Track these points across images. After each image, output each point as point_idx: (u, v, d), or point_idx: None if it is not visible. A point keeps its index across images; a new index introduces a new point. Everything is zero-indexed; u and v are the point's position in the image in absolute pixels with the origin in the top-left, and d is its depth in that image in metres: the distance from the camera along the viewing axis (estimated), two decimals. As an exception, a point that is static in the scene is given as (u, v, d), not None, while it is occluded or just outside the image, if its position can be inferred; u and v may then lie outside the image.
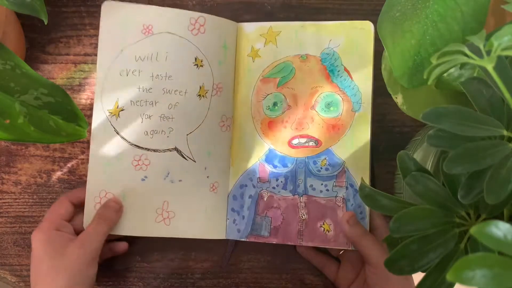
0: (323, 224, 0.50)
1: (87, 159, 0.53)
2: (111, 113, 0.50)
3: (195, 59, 0.51)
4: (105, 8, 0.50)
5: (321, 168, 0.51)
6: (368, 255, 0.45)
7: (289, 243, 0.50)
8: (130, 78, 0.50)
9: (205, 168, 0.51)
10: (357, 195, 0.49)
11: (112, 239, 0.52)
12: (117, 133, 0.50)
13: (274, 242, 0.50)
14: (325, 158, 0.51)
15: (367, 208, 0.49)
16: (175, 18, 0.50)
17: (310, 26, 0.52)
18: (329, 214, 0.50)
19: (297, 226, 0.50)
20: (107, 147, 0.50)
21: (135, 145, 0.50)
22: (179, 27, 0.50)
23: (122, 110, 0.50)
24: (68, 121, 0.40)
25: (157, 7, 0.50)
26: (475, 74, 0.36)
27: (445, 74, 0.38)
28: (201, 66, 0.51)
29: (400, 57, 0.38)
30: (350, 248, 0.49)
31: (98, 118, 0.50)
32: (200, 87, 0.51)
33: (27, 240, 0.54)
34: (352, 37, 0.51)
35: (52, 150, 0.54)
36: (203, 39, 0.51)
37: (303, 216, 0.50)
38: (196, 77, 0.51)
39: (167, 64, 0.50)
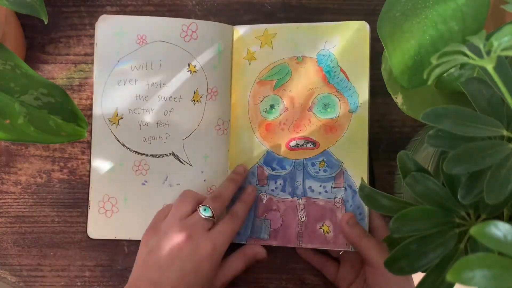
0: (322, 225, 0.50)
1: (87, 159, 0.53)
2: (112, 121, 0.51)
3: (188, 65, 0.52)
4: (100, 22, 0.52)
5: (319, 169, 0.51)
6: (368, 255, 0.45)
7: (289, 245, 0.50)
8: (127, 87, 0.51)
9: (202, 172, 0.52)
10: (356, 196, 0.49)
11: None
12: (118, 140, 0.52)
13: (274, 245, 0.50)
14: (323, 160, 0.51)
15: (366, 209, 0.49)
16: (168, 27, 0.52)
17: (305, 28, 0.52)
18: (328, 216, 0.50)
19: (296, 228, 0.50)
20: (109, 154, 0.52)
21: (135, 151, 0.52)
22: (172, 35, 0.52)
23: (121, 118, 0.51)
24: (68, 121, 0.40)
25: (150, 17, 0.52)
26: (475, 74, 0.36)
27: (445, 74, 0.38)
28: (195, 71, 0.52)
29: (400, 57, 0.38)
30: (350, 249, 0.49)
31: (99, 126, 0.52)
32: (194, 92, 0.52)
33: (27, 240, 0.54)
34: (347, 38, 0.51)
35: (52, 150, 0.54)
36: (196, 45, 0.52)
37: (302, 218, 0.50)
38: (189, 83, 0.52)
39: (161, 71, 0.52)
